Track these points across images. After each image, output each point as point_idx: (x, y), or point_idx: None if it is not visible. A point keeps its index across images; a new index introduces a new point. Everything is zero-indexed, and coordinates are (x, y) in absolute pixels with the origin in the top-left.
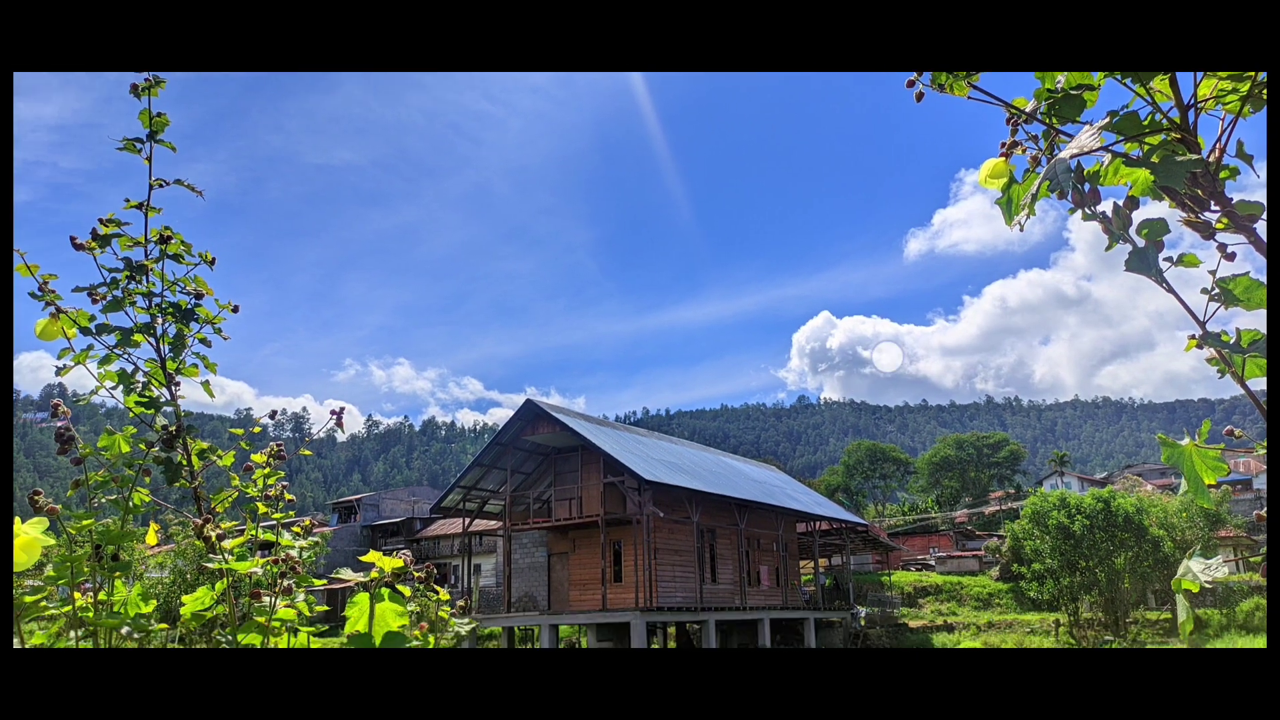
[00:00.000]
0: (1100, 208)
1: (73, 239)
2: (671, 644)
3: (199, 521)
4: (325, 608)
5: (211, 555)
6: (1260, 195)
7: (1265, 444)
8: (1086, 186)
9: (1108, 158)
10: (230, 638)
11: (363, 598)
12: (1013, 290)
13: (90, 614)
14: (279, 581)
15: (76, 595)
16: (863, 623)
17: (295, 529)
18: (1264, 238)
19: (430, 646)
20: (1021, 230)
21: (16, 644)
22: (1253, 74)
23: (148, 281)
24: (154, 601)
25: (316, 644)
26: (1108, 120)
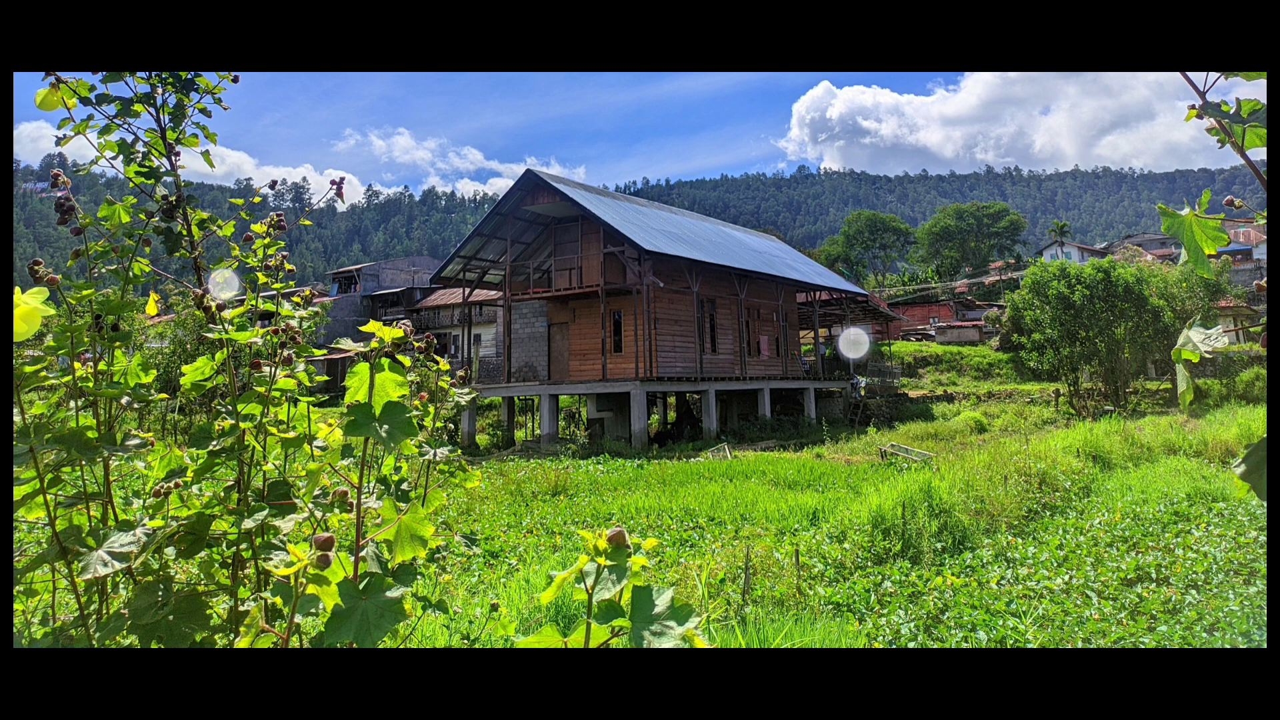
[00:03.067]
0: None
1: None
2: (671, 415)
3: (199, 291)
4: (325, 378)
5: (211, 325)
6: None
7: (1265, 214)
8: None
9: None
10: (230, 407)
11: (363, 368)
12: None
13: (90, 384)
14: (279, 351)
15: (76, 365)
16: (863, 393)
17: (295, 299)
18: None
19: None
20: None
21: (16, 416)
22: None
23: None
24: (154, 372)
25: (316, 414)
26: None
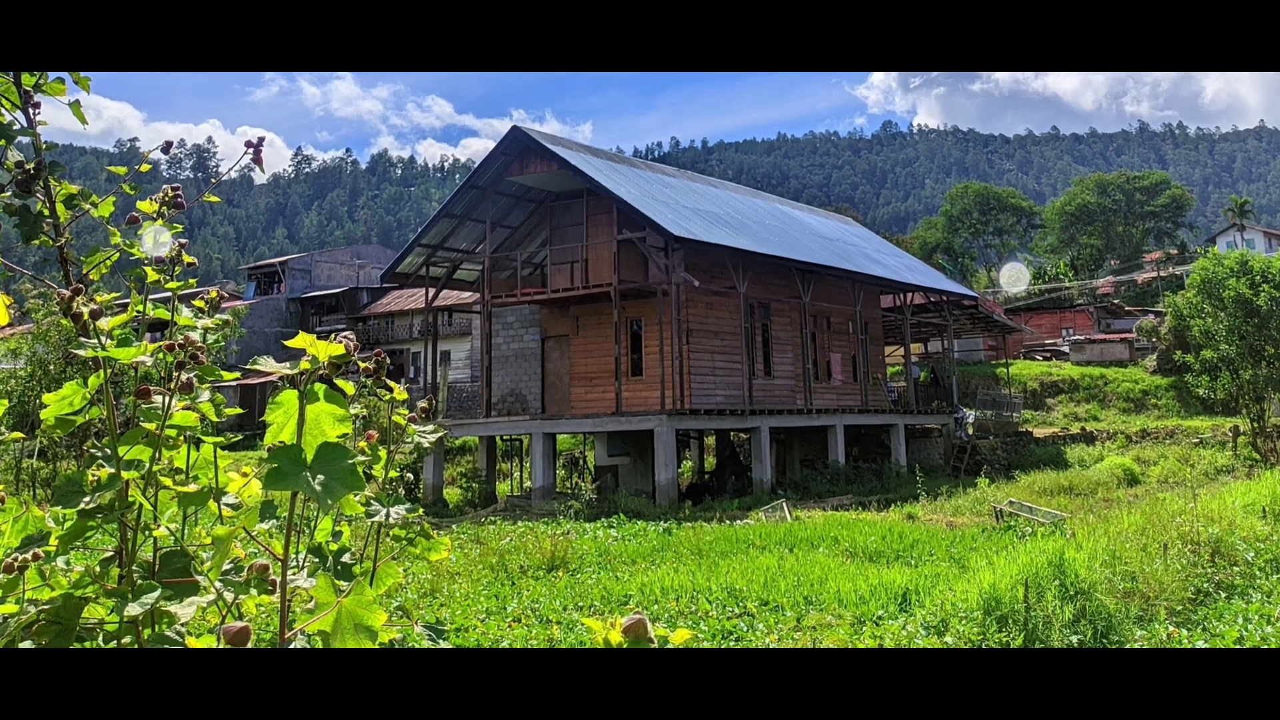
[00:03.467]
0: None
1: None
2: (710, 460)
3: (66, 293)
4: (238, 410)
5: (83, 339)
6: None
7: None
8: None
9: None
10: (109, 451)
11: (289, 396)
12: None
13: None
14: (175, 374)
15: None
16: (970, 431)
17: (198, 303)
18: None
19: (381, 468)
20: None
21: None
22: None
23: None
24: (3, 402)
25: (226, 460)
26: None
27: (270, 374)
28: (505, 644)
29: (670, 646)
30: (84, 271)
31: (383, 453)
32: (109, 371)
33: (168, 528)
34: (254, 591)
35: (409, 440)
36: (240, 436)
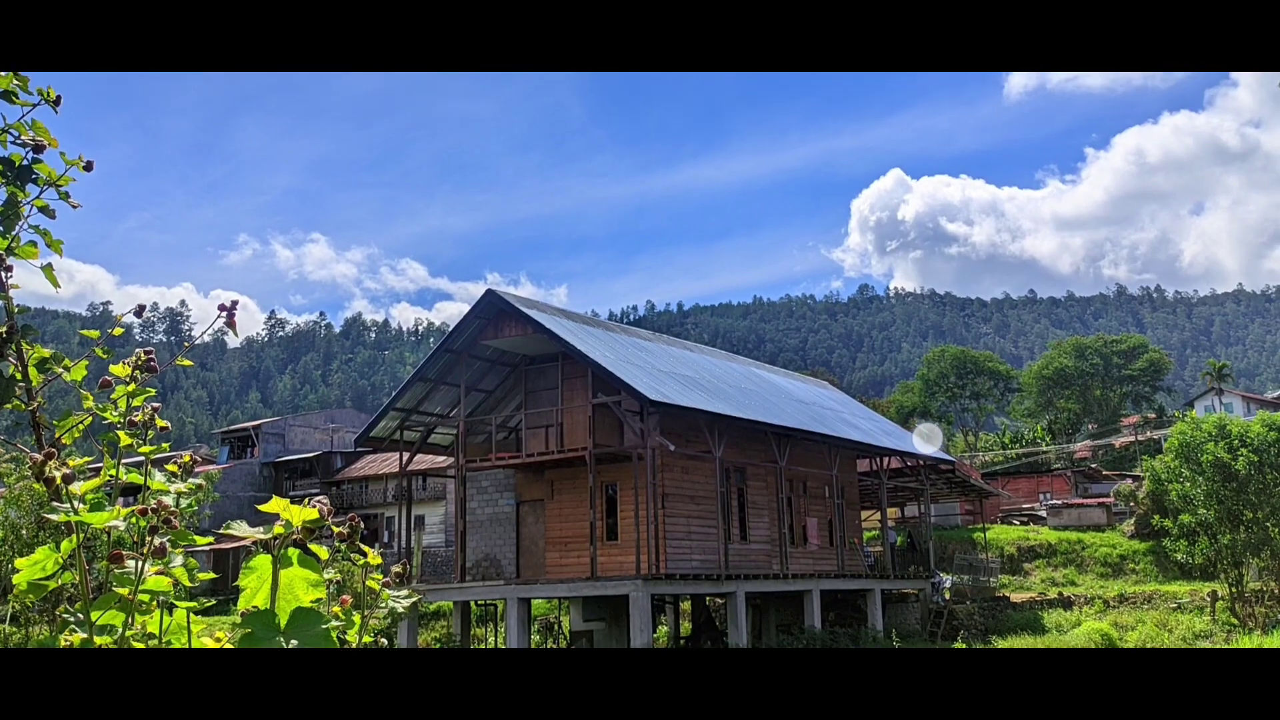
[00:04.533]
0: None
1: None
2: (685, 624)
3: (38, 457)
4: (211, 575)
5: (55, 503)
6: None
7: None
8: None
9: None
10: (82, 616)
11: (263, 561)
12: (1153, 140)
13: None
14: (148, 539)
15: None
16: (947, 595)
17: (171, 467)
18: None
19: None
20: None
21: None
22: None
23: None
24: None
25: (199, 625)
26: None
27: (244, 539)
28: None
29: None
30: (56, 436)
31: (357, 618)
32: (82, 536)
33: None
34: None
35: (383, 605)
36: (214, 601)
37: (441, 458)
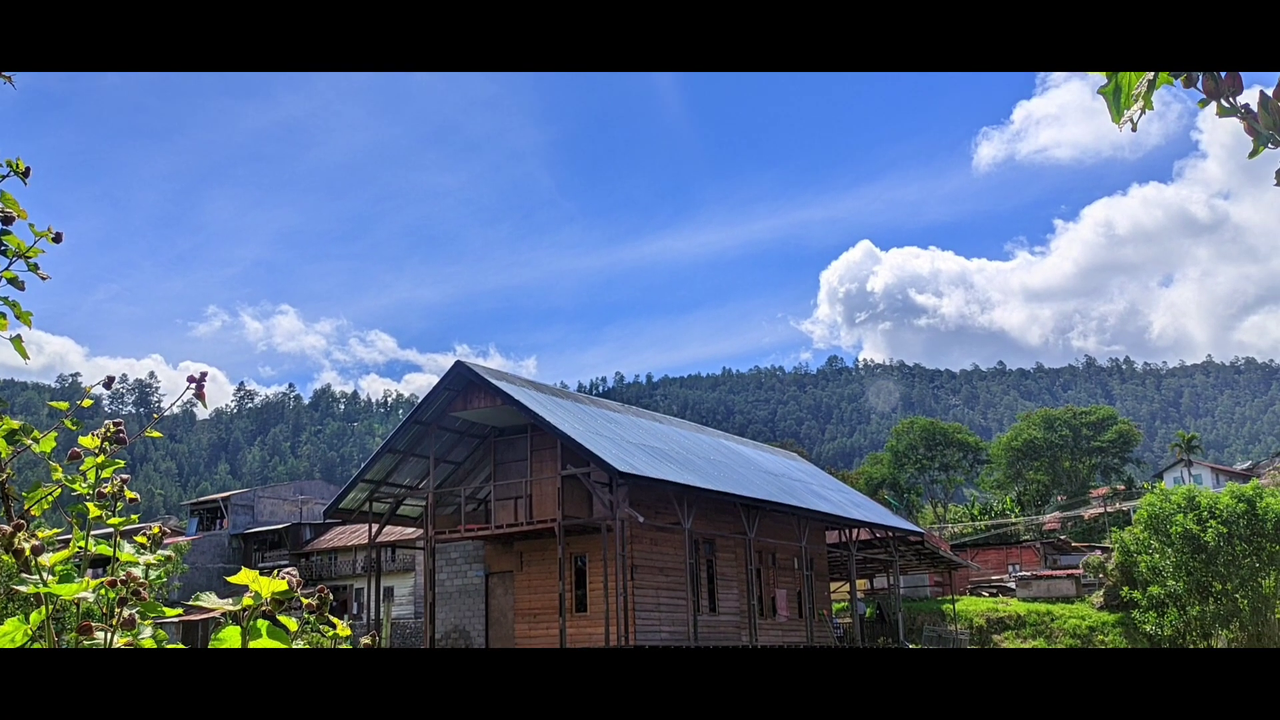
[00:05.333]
0: (1242, 99)
1: None
2: None
3: (7, 529)
4: (181, 646)
5: (24, 575)
6: None
7: None
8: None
9: None
10: None
11: (231, 633)
12: (1122, 212)
13: None
14: (117, 611)
15: None
16: None
17: (139, 539)
18: None
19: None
20: (1134, 130)
21: None
22: None
23: None
24: None
25: None
26: None
27: (213, 610)
28: None
29: None
30: (25, 507)
31: None
32: (51, 608)
33: None
34: None
35: None
36: None
37: (411, 529)
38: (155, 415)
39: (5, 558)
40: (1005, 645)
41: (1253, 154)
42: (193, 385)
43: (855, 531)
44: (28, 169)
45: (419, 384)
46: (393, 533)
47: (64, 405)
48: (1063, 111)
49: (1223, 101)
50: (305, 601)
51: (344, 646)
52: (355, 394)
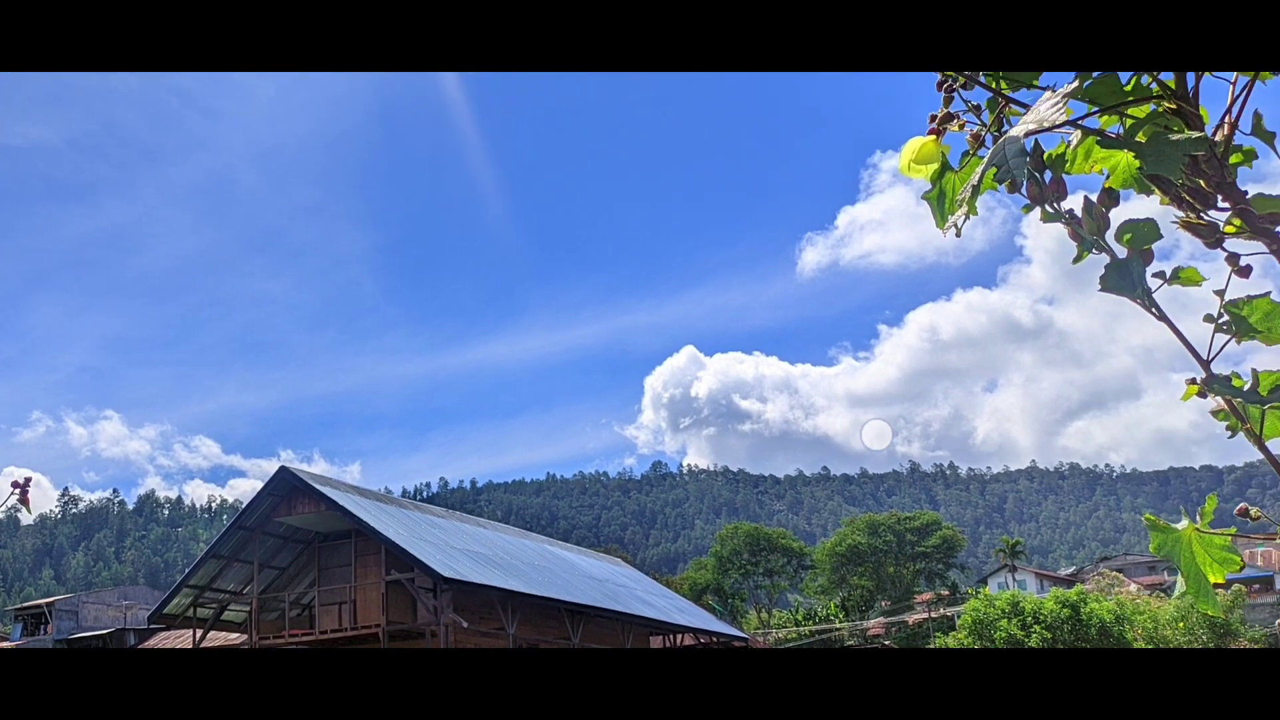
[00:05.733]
0: (1066, 204)
1: None
2: None
3: None
4: None
5: None
6: None
7: None
8: (1048, 175)
9: (1076, 136)
10: None
11: None
12: (947, 317)
13: None
14: None
15: None
16: None
17: None
18: None
19: None
20: (958, 235)
21: None
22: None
23: None
24: None
25: None
26: (1077, 84)
27: None
28: None
29: None
30: None
31: None
32: None
33: None
34: None
35: None
36: None
37: (235, 635)
38: None
39: None
40: None
41: (1077, 259)
42: (16, 491)
43: (680, 637)
44: None
45: (243, 489)
46: (217, 638)
47: None
48: (887, 217)
49: (1047, 207)
50: None
51: None
52: (180, 499)
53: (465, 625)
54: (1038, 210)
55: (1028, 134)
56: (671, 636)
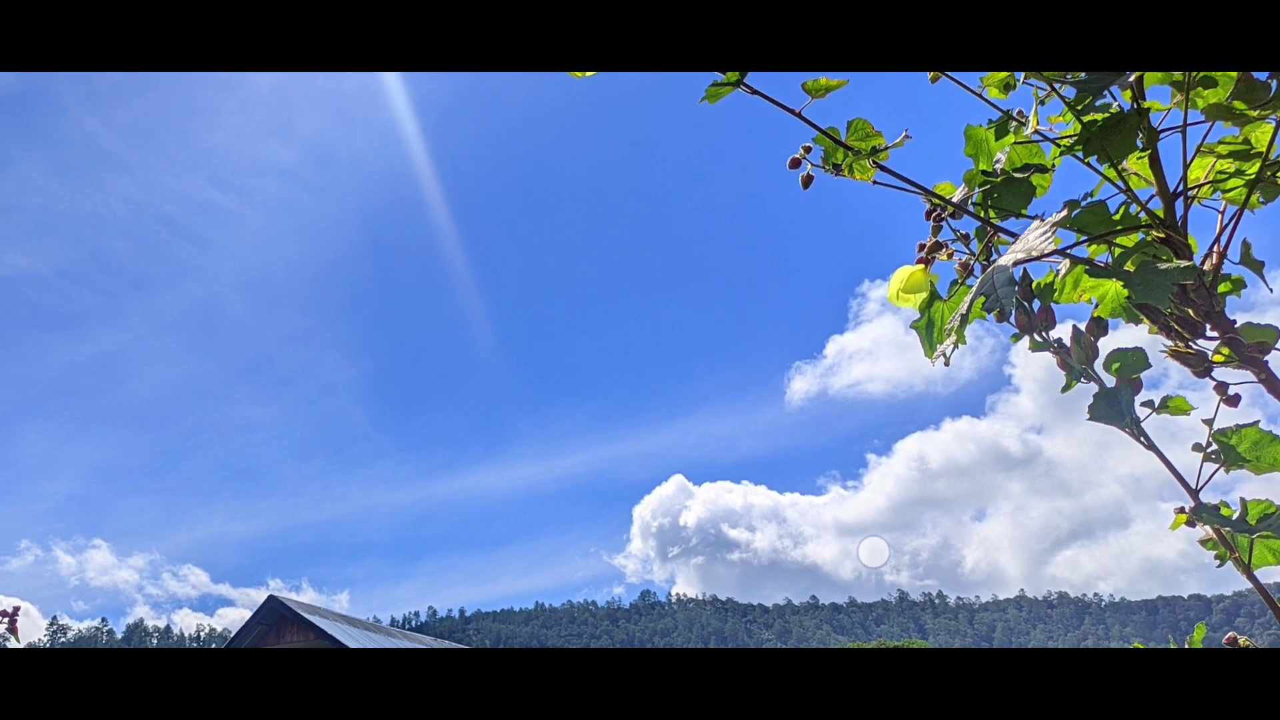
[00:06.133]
0: (1055, 334)
1: None
2: None
3: None
4: None
5: None
6: (1273, 316)
7: None
8: (1036, 304)
9: (1065, 265)
10: None
11: None
12: (935, 446)
13: None
14: None
15: None
16: None
17: None
18: (1279, 374)
19: None
20: (947, 365)
21: None
22: (1263, 152)
23: None
24: None
25: None
26: (1065, 213)
27: None
28: None
29: None
30: None
31: None
32: None
33: None
34: None
35: None
36: None
37: None
38: None
39: None
40: None
41: (1065, 388)
42: (5, 620)
43: None
44: None
45: (232, 618)
46: None
47: None
48: (875, 346)
49: (1035, 336)
50: None
51: None
52: (169, 628)
53: None
54: (1026, 339)
55: (1016, 263)
56: None
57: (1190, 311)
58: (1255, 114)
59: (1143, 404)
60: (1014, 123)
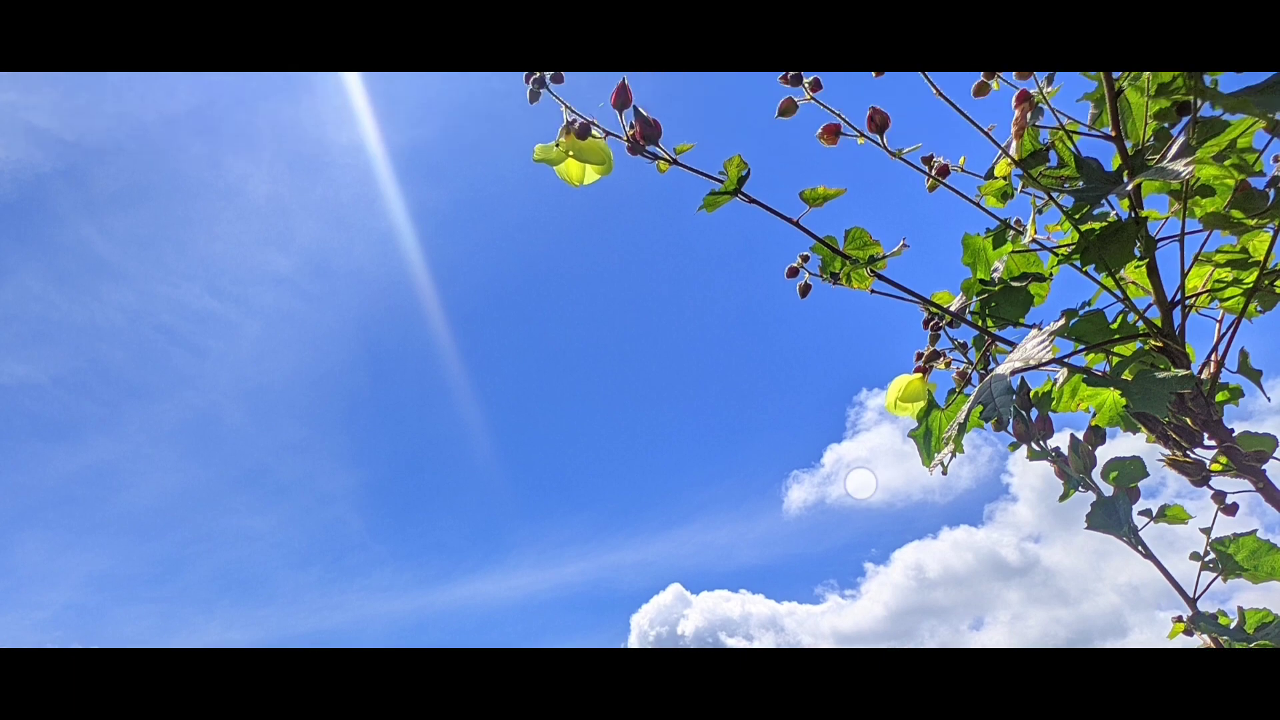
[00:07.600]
0: (1052, 442)
1: None
2: None
3: None
4: None
5: None
6: (1271, 425)
7: None
8: (1034, 413)
9: (1063, 374)
10: None
11: None
12: (933, 555)
13: None
14: None
15: None
16: None
17: None
18: (1276, 483)
19: None
20: (944, 474)
21: None
22: (1260, 261)
23: None
24: None
25: None
26: (1063, 322)
27: None
28: None
29: None
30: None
31: None
32: None
33: None
34: None
35: None
36: None
37: None
38: None
39: None
40: None
41: (1063, 497)
42: None
43: None
44: None
45: None
46: None
47: None
48: (873, 454)
49: (1033, 445)
50: None
51: None
52: None
53: None
54: (1024, 448)
55: (1014, 371)
56: None
57: (1188, 420)
58: (1253, 223)
59: (1140, 513)
60: (1011, 231)
